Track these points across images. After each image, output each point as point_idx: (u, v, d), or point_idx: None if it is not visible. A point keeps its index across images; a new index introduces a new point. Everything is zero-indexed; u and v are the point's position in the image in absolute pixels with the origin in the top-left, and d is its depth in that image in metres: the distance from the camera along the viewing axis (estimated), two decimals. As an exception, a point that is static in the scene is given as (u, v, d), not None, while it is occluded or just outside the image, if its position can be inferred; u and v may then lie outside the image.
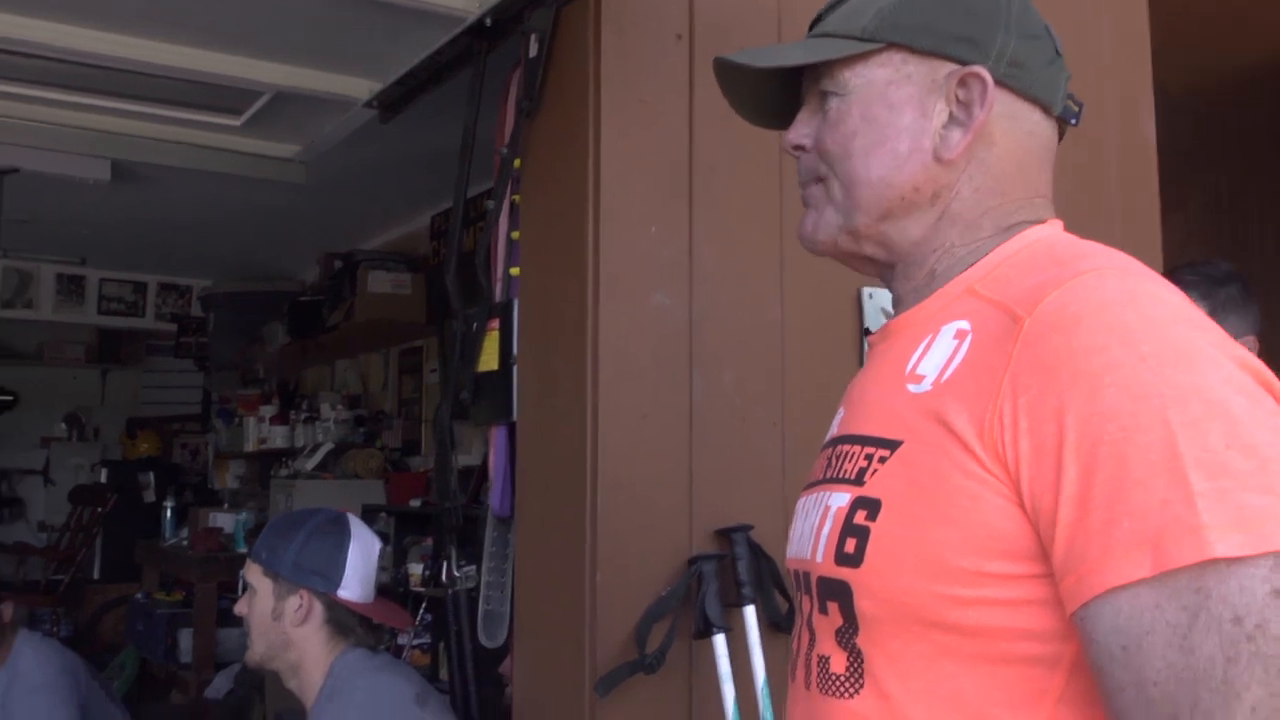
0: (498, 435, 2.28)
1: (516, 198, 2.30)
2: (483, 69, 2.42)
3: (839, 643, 0.87)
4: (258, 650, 2.15)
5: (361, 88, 2.89)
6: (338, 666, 2.12)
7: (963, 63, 0.93)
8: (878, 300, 2.26)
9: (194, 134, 3.43)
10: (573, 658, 2.00)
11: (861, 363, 2.27)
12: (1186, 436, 0.70)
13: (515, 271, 2.27)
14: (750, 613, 2.04)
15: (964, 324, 0.87)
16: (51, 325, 6.77)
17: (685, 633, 2.02)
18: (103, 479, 7.26)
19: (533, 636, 2.16)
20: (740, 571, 2.04)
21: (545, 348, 2.15)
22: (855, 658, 0.86)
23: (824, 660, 0.89)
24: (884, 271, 1.00)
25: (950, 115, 0.93)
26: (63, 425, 7.76)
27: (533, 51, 2.21)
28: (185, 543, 5.58)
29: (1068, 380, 0.75)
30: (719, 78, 1.05)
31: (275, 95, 3.01)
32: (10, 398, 7.55)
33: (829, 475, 0.93)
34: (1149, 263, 0.88)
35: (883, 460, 0.85)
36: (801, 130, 1.00)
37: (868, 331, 1.05)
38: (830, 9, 1.00)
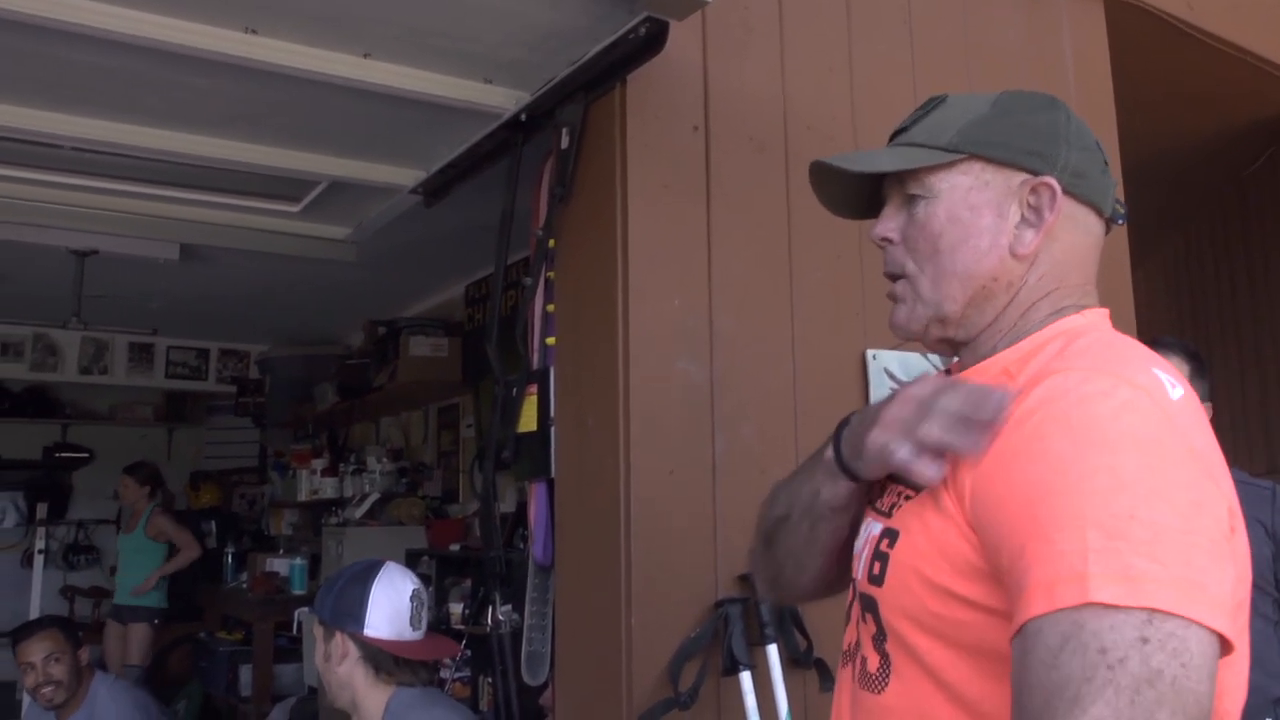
0: (538, 490, 2.26)
1: (551, 274, 2.30)
2: (518, 158, 2.43)
3: (874, 647, 0.96)
4: (328, 692, 2.14)
5: (408, 176, 2.90)
6: (394, 704, 2.09)
7: (1034, 173, 0.98)
8: (881, 361, 2.25)
9: (256, 219, 3.45)
10: (611, 694, 1.97)
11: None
12: (1093, 504, 0.77)
13: (551, 341, 2.27)
14: (773, 651, 2.02)
15: None
16: (124, 389, 6.83)
17: (714, 670, 1.99)
18: (169, 528, 7.24)
19: (574, 676, 2.13)
20: (763, 613, 2.02)
21: (580, 410, 2.15)
22: (884, 660, 0.94)
23: (864, 660, 0.98)
24: (959, 349, 1.06)
25: (1023, 217, 0.99)
26: (133, 479, 7.76)
27: (564, 143, 2.23)
28: (244, 586, 5.56)
29: (1010, 457, 0.84)
30: (812, 177, 1.09)
31: (330, 184, 3.04)
32: (86, 454, 7.57)
33: (877, 506, 1.02)
34: (1122, 322, 0.92)
35: (907, 498, 0.95)
36: (889, 225, 1.05)
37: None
38: (914, 122, 1.05)
